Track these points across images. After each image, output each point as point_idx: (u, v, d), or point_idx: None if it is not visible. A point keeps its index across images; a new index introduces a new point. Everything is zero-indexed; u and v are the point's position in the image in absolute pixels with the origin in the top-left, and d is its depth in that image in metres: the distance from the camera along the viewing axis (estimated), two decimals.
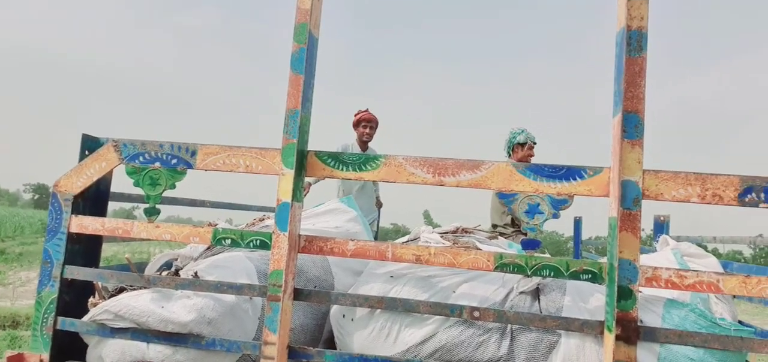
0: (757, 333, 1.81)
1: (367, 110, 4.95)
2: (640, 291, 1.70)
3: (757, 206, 1.51)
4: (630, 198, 1.48)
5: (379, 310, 1.74)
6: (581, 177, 1.61)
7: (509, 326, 1.70)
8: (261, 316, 1.89)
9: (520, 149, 4.34)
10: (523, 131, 4.37)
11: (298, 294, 1.68)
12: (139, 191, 1.88)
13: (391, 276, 1.84)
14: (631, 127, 1.49)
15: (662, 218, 4.42)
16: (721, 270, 2.54)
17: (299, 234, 1.68)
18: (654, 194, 1.52)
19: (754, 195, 1.50)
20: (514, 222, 4.21)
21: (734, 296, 2.98)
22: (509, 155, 4.35)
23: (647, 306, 1.72)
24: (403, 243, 1.81)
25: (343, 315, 1.85)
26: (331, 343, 2.08)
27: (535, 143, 4.37)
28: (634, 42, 1.49)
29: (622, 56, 1.50)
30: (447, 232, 2.45)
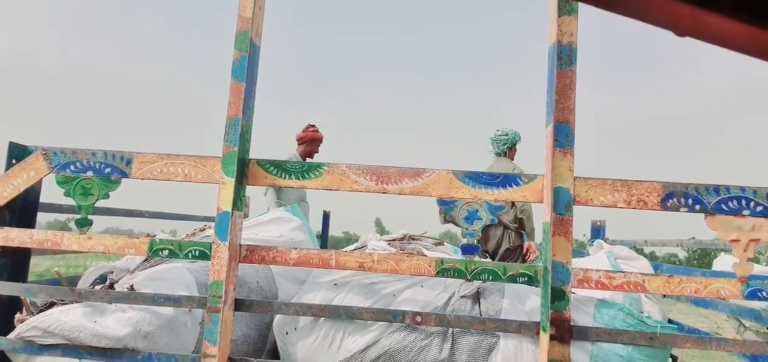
0: (680, 330, 1.93)
1: (315, 128, 4.90)
2: (573, 293, 1.78)
3: (678, 210, 1.61)
4: (562, 204, 1.55)
5: (322, 319, 1.74)
6: (517, 184, 1.67)
7: (450, 329, 1.74)
8: (201, 328, 1.84)
9: (515, 148, 4.51)
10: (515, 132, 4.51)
11: (239, 305, 1.66)
12: (70, 201, 1.80)
13: (335, 284, 1.84)
14: (563, 136, 1.56)
15: (598, 222, 4.63)
16: (650, 272, 2.70)
17: (240, 244, 1.66)
18: (584, 200, 1.59)
19: (675, 200, 1.60)
20: (517, 218, 4.30)
21: (665, 296, 3.16)
22: (505, 153, 4.42)
23: (580, 306, 1.81)
24: (349, 251, 1.82)
25: (286, 329, 1.83)
26: (274, 354, 2.05)
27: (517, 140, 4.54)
28: (564, 56, 1.57)
29: (553, 70, 1.57)
30: (394, 239, 2.48)
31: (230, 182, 1.61)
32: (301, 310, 1.67)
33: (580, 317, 1.76)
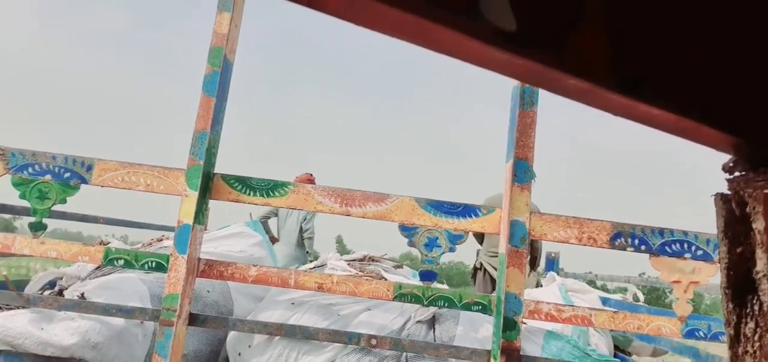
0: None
1: (312, 177, 5.06)
2: (525, 323, 1.84)
3: (625, 250, 1.69)
4: (517, 237, 1.61)
5: (278, 337, 1.73)
6: (476, 215, 1.73)
7: (405, 354, 1.77)
8: (152, 341, 1.81)
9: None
10: None
11: (193, 320, 1.64)
12: (23, 202, 1.75)
13: (293, 303, 1.85)
14: (521, 172, 1.64)
15: (553, 254, 4.78)
16: (599, 305, 2.80)
17: (199, 258, 1.65)
18: (539, 234, 1.66)
19: (622, 240, 1.69)
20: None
21: (611, 330, 3.28)
22: None
23: (530, 337, 1.87)
24: (309, 269, 1.83)
25: (240, 347, 1.82)
26: None
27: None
28: (526, 97, 1.65)
29: (515, 109, 1.65)
30: (354, 260, 2.50)
31: (193, 195, 1.61)
32: (256, 328, 1.67)
33: (529, 347, 1.82)
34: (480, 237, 4.72)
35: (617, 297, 3.84)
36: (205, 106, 1.64)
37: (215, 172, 1.70)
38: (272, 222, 5.37)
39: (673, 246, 1.69)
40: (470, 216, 1.73)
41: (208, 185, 1.66)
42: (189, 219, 1.59)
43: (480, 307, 1.70)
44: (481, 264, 4.68)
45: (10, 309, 1.70)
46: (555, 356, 1.83)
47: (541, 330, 1.90)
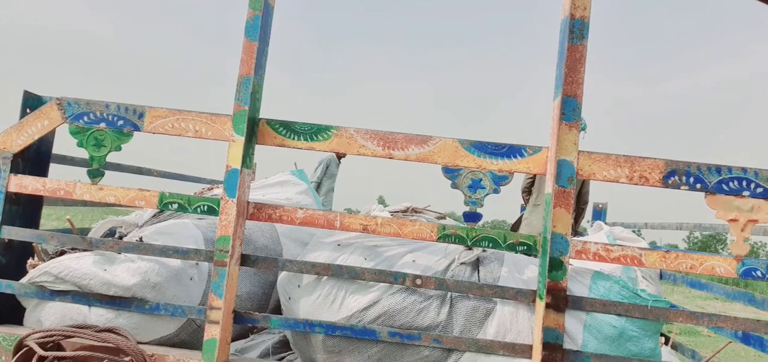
0: (671, 305, 1.97)
1: None
2: (570, 264, 1.82)
3: (679, 188, 1.63)
4: (565, 177, 1.58)
5: (325, 278, 1.78)
6: (521, 155, 1.70)
7: (449, 294, 1.79)
8: (207, 282, 1.89)
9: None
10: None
11: (245, 260, 1.70)
12: (82, 154, 1.84)
13: (338, 245, 1.88)
14: (570, 110, 1.58)
15: (600, 205, 4.65)
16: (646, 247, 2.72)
17: (247, 201, 1.70)
18: (587, 174, 1.62)
19: (676, 178, 1.63)
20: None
21: (661, 277, 3.20)
22: None
23: (576, 277, 1.84)
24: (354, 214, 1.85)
25: (290, 287, 1.88)
26: (277, 312, 2.11)
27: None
28: (576, 30, 1.58)
29: (564, 43, 1.59)
30: (397, 211, 2.51)
31: (240, 140, 1.64)
32: (305, 268, 1.72)
33: (576, 287, 1.80)
34: (528, 194, 4.68)
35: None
36: (248, 51, 1.65)
37: (260, 117, 1.72)
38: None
39: (731, 184, 1.62)
40: (515, 157, 1.70)
41: (253, 130, 1.69)
42: (237, 164, 1.64)
43: (525, 248, 1.69)
44: (520, 220, 4.65)
45: (76, 252, 1.81)
46: (603, 296, 1.80)
47: (588, 271, 1.87)
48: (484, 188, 1.72)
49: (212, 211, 1.70)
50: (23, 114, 1.85)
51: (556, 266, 1.56)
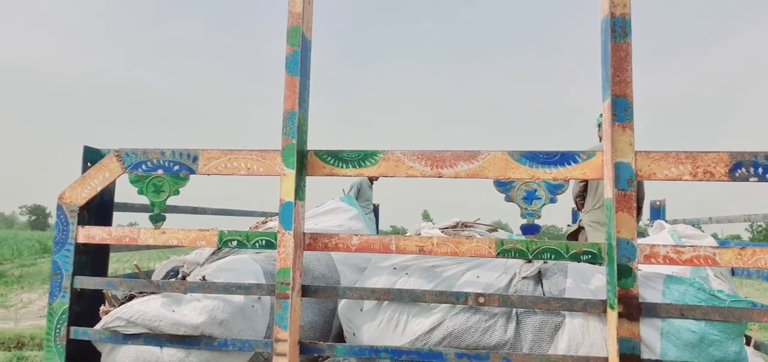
0: (754, 304, 1.85)
1: None
2: (640, 269, 1.74)
3: (747, 180, 1.55)
4: (624, 180, 1.52)
5: (386, 302, 1.77)
6: (575, 161, 1.65)
7: (514, 310, 1.74)
8: (270, 315, 1.92)
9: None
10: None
11: (306, 291, 1.72)
12: (141, 200, 1.91)
13: (395, 268, 1.88)
14: (621, 110, 1.53)
15: (658, 202, 4.46)
16: (718, 245, 2.58)
17: (303, 232, 1.72)
18: (647, 174, 1.56)
19: (743, 170, 1.54)
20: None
21: (733, 273, 3.02)
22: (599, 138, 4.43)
23: (647, 283, 1.77)
24: (408, 236, 1.84)
25: (352, 314, 1.88)
26: (340, 339, 2.11)
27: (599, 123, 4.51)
28: (618, 28, 1.54)
29: (607, 43, 1.54)
30: (447, 227, 2.48)
31: (291, 173, 1.67)
32: (365, 294, 1.71)
33: (647, 294, 1.72)
34: (581, 198, 4.58)
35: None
36: (291, 86, 1.68)
37: (308, 149, 1.75)
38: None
39: None
40: (569, 164, 1.66)
41: (303, 162, 1.71)
42: (290, 197, 1.66)
43: (589, 257, 1.63)
44: (580, 227, 4.55)
45: (144, 295, 1.87)
46: (677, 301, 1.71)
47: (660, 276, 1.79)
48: (540, 198, 1.68)
49: (270, 245, 1.73)
50: (84, 168, 1.94)
51: (625, 273, 1.50)
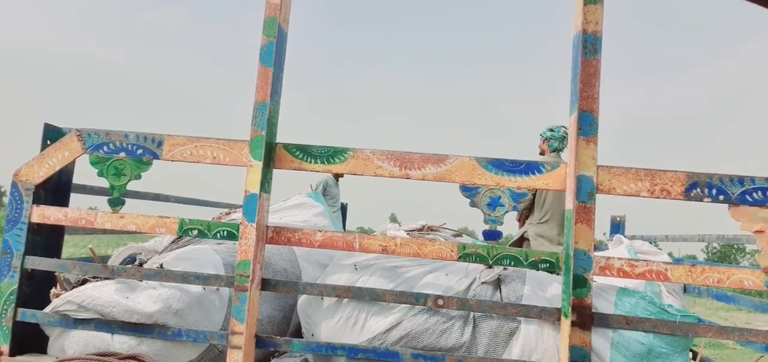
0: (700, 320, 1.92)
1: None
2: (594, 280, 1.79)
3: (701, 201, 1.61)
4: (585, 192, 1.56)
5: (346, 300, 1.77)
6: (540, 172, 1.68)
7: (472, 314, 1.77)
8: (228, 308, 1.89)
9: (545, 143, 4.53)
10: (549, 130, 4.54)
11: (266, 285, 1.70)
12: (101, 183, 1.86)
13: (357, 267, 1.88)
14: (586, 125, 1.57)
15: (618, 218, 4.58)
16: (671, 261, 2.67)
17: (267, 225, 1.70)
18: (607, 188, 1.60)
19: (698, 190, 1.60)
20: None
21: (685, 291, 3.13)
22: (561, 151, 4.46)
23: (601, 294, 1.82)
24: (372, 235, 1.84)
25: (311, 310, 1.87)
26: (298, 335, 2.10)
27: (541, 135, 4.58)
28: (589, 45, 1.58)
29: (578, 58, 1.58)
30: (413, 230, 2.50)
31: (258, 165, 1.65)
32: (325, 291, 1.71)
33: (601, 304, 1.77)
34: (528, 211, 4.69)
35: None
36: (264, 77, 1.66)
37: (277, 141, 1.73)
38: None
39: (755, 195, 1.59)
40: (533, 174, 1.69)
41: (271, 155, 1.70)
42: (255, 189, 1.64)
43: (548, 265, 1.67)
44: (524, 237, 4.66)
45: (98, 280, 1.82)
46: (629, 313, 1.77)
47: (613, 288, 1.84)
48: (504, 205, 1.71)
49: (232, 236, 1.71)
50: (44, 146, 1.88)
51: (580, 283, 1.54)
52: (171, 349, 1.75)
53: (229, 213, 2.58)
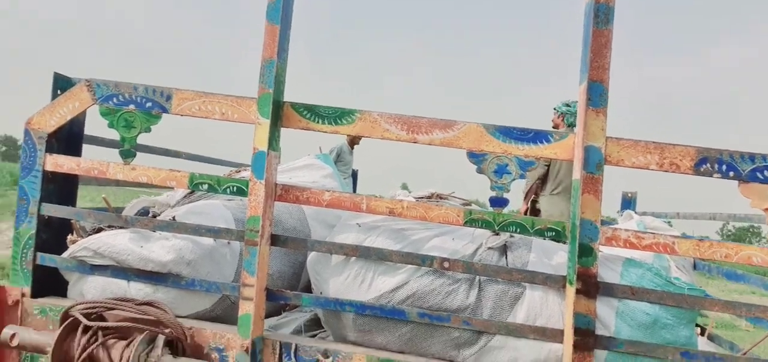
0: (706, 294, 1.93)
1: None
2: (601, 250, 1.80)
3: (711, 176, 1.59)
4: (593, 163, 1.55)
5: (353, 258, 1.80)
6: (548, 141, 1.68)
7: (477, 278, 1.79)
8: (239, 261, 1.93)
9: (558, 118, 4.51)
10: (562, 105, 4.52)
11: (275, 240, 1.73)
12: (112, 135, 1.88)
13: (364, 226, 1.90)
14: (596, 95, 1.55)
15: (630, 194, 4.56)
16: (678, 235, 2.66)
17: (275, 183, 1.72)
18: (615, 160, 1.59)
19: (708, 166, 1.59)
20: None
21: (694, 267, 3.11)
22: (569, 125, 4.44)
23: (607, 264, 1.82)
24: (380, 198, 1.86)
25: (320, 267, 1.91)
26: (308, 291, 2.14)
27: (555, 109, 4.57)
28: (601, 14, 1.55)
29: (589, 28, 1.56)
30: (422, 197, 2.50)
31: (266, 123, 1.66)
32: (333, 248, 1.74)
33: (607, 274, 1.78)
34: (542, 182, 4.67)
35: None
36: (271, 34, 1.66)
37: (284, 100, 1.73)
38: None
39: (765, 173, 1.57)
40: (541, 143, 1.68)
41: (278, 113, 1.70)
42: (263, 146, 1.65)
43: (554, 233, 1.67)
44: (536, 208, 4.65)
45: (112, 229, 1.86)
46: (635, 284, 1.77)
47: (620, 258, 1.84)
48: (510, 173, 1.71)
49: (241, 192, 1.73)
50: (54, 95, 1.90)
51: (585, 252, 1.54)
52: (185, 298, 1.80)
53: (239, 171, 2.61)
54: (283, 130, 1.74)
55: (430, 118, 1.70)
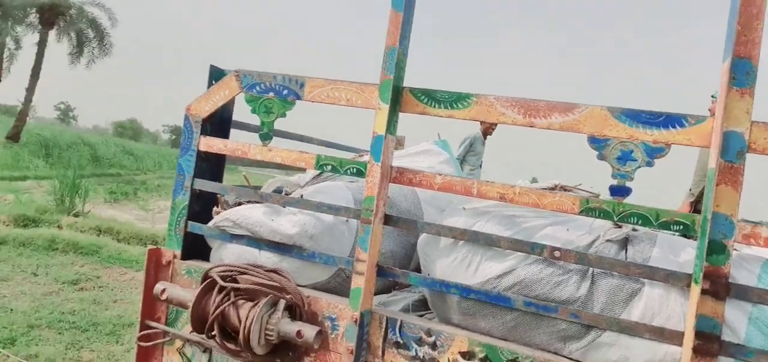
0: None
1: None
2: (736, 248, 1.62)
3: None
4: (733, 151, 1.40)
5: (461, 242, 1.83)
6: (681, 125, 1.54)
7: (591, 270, 1.71)
8: (355, 238, 2.08)
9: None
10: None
11: (388, 220, 1.83)
12: (253, 121, 2.12)
13: (473, 210, 1.92)
14: (742, 73, 1.40)
15: None
16: None
17: (391, 166, 1.81)
18: (762, 148, 1.42)
19: None
20: None
21: None
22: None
23: (742, 264, 1.64)
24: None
25: (429, 248, 1.97)
26: (417, 272, 2.22)
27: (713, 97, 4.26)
28: None
29: None
30: (545, 188, 2.44)
31: (385, 108, 1.75)
32: (442, 231, 1.79)
33: (741, 275, 1.60)
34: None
35: None
36: (395, 22, 1.74)
37: (403, 85, 1.81)
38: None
39: None
40: (674, 127, 1.55)
41: (397, 98, 1.78)
42: (382, 131, 1.75)
43: (681, 227, 1.54)
44: (697, 207, 4.25)
45: (250, 203, 2.11)
46: None
47: (759, 259, 1.65)
48: (636, 160, 1.60)
49: (360, 174, 1.86)
50: (209, 85, 2.19)
51: (717, 249, 1.40)
52: (306, 268, 1.99)
53: (362, 155, 2.77)
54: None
55: (549, 101, 1.66)
